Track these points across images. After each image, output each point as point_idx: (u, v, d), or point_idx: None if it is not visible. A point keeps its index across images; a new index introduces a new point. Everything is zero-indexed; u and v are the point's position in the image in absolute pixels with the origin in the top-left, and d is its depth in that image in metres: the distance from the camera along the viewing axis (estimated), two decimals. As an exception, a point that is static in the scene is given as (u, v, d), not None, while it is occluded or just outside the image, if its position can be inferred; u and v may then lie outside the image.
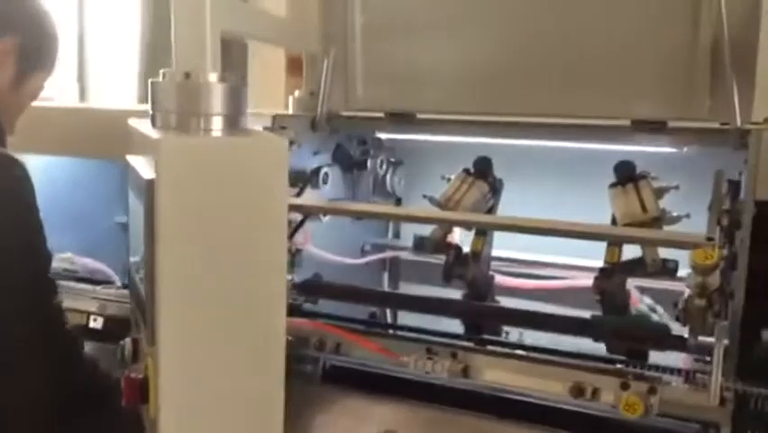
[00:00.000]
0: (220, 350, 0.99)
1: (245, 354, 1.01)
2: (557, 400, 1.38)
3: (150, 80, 1.09)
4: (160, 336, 0.96)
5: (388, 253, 2.12)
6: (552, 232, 1.36)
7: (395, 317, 2.08)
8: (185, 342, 0.97)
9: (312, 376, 1.67)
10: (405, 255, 2.09)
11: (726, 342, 1.27)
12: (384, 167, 1.96)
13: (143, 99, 2.75)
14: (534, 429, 1.42)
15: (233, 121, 1.07)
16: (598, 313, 1.48)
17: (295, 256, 1.70)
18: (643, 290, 1.62)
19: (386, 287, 2.22)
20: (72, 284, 1.95)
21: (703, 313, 1.16)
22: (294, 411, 1.61)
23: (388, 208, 1.60)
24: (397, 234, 2.18)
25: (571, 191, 1.85)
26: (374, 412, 1.55)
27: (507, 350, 1.40)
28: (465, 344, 1.40)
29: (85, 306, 1.88)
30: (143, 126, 1.08)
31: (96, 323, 1.84)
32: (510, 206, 1.72)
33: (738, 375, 1.26)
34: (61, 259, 2.09)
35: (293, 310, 1.65)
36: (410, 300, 1.58)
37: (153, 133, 0.99)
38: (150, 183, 0.95)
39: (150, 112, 1.08)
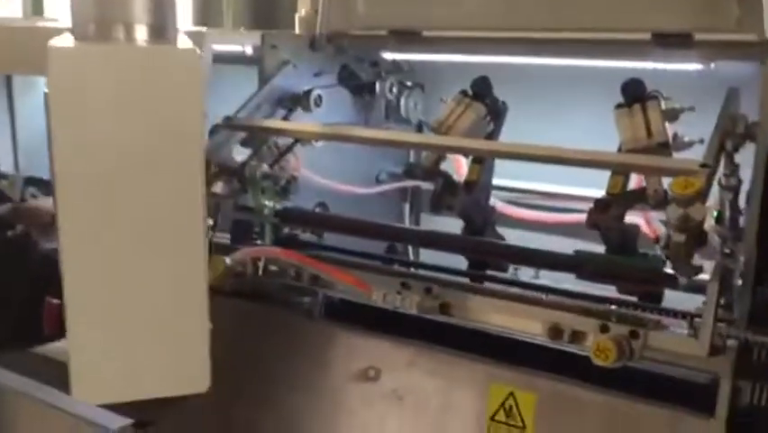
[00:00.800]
0: (129, 261, 0.93)
1: (157, 265, 0.94)
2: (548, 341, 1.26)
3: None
4: (64, 251, 0.91)
5: (406, 183, 2.01)
6: (536, 158, 1.22)
7: (417, 253, 1.99)
8: (89, 255, 0.91)
9: (310, 310, 1.61)
10: (427, 186, 1.98)
11: (733, 282, 1.13)
12: (395, 90, 1.84)
13: (198, 22, 2.71)
14: (526, 373, 1.31)
15: (158, 31, 0.98)
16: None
17: (290, 183, 1.62)
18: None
19: (406, 219, 2.13)
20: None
21: (685, 249, 1.01)
22: (283, 343, 1.57)
23: (369, 132, 1.48)
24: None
25: (594, 116, 1.68)
26: (366, 348, 1.47)
27: (486, 286, 1.28)
28: (443, 277, 1.30)
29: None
30: (63, 40, 1.00)
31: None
32: (521, 132, 1.57)
33: (754, 323, 1.12)
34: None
35: (290, 241, 1.59)
36: (393, 231, 1.48)
37: (52, 44, 0.91)
38: (45, 95, 0.88)
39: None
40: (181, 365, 1.00)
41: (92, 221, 0.90)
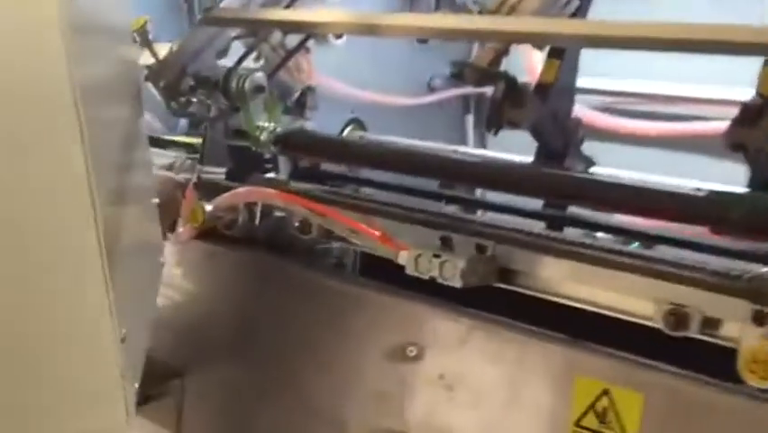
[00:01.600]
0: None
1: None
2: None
3: None
4: None
5: (467, 89, 1.59)
6: (647, 43, 0.78)
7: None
8: None
9: (342, 262, 1.25)
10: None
11: None
12: (445, -32, 1.40)
13: None
14: (629, 363, 0.89)
15: None
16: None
17: (306, 96, 1.22)
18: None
19: (470, 135, 1.71)
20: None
21: None
22: (301, 305, 1.21)
23: (406, 19, 1.05)
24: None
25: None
26: (407, 318, 1.09)
27: (567, 237, 0.87)
28: (507, 223, 0.89)
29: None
30: None
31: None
32: (615, 14, 1.11)
33: None
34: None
35: (311, 175, 1.21)
36: (424, 161, 1.06)
37: None
38: None
39: None
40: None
41: None
